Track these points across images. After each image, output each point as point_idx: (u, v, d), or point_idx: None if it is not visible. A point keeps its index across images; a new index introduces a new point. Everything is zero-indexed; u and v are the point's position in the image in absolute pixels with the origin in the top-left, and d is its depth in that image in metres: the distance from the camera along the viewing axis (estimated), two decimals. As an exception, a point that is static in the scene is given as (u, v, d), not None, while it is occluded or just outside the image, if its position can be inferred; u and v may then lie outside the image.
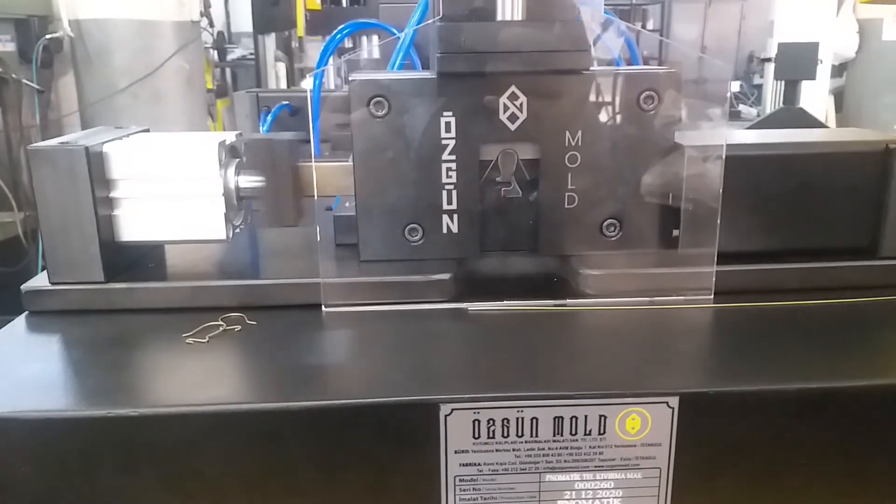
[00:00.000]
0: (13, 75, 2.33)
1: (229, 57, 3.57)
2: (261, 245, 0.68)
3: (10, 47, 2.40)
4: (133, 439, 0.40)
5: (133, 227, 0.56)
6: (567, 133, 0.57)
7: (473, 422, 0.41)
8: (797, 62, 2.14)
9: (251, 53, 3.42)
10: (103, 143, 0.55)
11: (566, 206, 0.58)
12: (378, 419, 0.41)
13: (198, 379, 0.45)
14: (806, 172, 0.58)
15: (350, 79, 0.57)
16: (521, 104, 0.57)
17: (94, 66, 2.34)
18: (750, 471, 0.43)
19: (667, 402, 0.42)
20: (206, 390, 0.43)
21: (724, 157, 0.55)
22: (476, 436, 0.41)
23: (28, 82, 2.36)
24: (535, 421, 0.42)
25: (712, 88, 0.61)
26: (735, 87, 4.28)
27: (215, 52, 3.35)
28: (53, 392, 0.43)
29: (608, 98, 0.59)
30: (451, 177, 0.57)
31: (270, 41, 3.33)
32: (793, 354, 0.48)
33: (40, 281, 0.55)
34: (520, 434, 0.42)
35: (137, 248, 0.58)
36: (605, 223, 0.59)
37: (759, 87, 4.26)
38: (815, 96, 3.37)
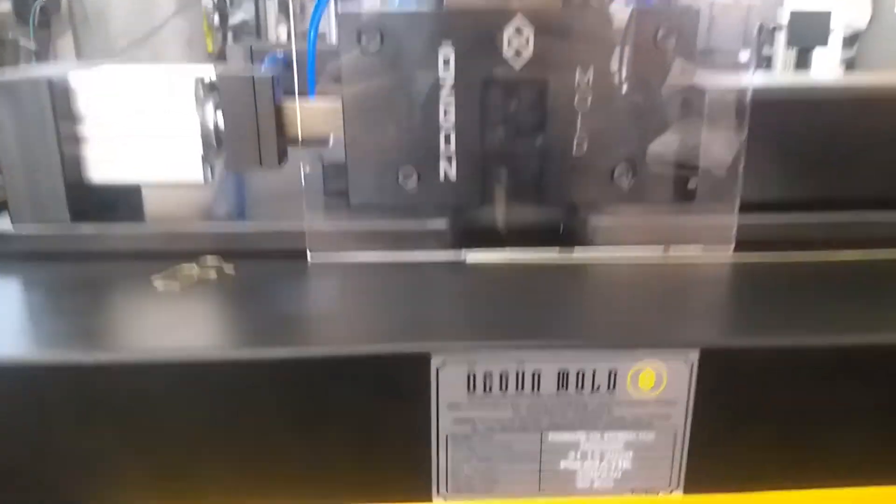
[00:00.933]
0: (9, 35, 2.28)
1: (231, 21, 3.49)
2: (246, 189, 0.63)
3: (6, 7, 2.34)
4: (88, 389, 0.36)
5: (102, 166, 0.52)
6: (577, 72, 0.52)
7: (468, 374, 0.37)
8: (810, 30, 2.08)
9: (254, 17, 3.35)
10: (68, 73, 0.50)
11: (575, 151, 0.53)
12: (361, 372, 0.37)
13: (164, 327, 0.41)
14: (839, 116, 0.53)
15: (339, 10, 0.52)
16: (527, 39, 0.52)
17: (93, 27, 2.29)
18: (775, 432, 0.39)
19: (685, 356, 0.37)
20: (172, 339, 0.39)
21: (749, 98, 0.50)
22: (471, 390, 0.37)
23: (25, 43, 2.30)
24: (537, 374, 0.37)
25: (736, 25, 0.56)
26: (744, 57, 4.18)
27: (216, 14, 3.28)
28: (5, 338, 0.39)
29: (623, 35, 0.53)
30: (448, 118, 0.52)
31: (272, 4, 3.26)
32: (823, 309, 0.44)
33: (1, 223, 0.51)
34: (520, 388, 0.37)
35: (110, 191, 0.54)
36: (617, 170, 0.54)
37: (769, 59, 4.16)
38: (827, 66, 3.28)
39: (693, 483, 0.39)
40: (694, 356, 0.37)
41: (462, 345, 0.37)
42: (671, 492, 0.40)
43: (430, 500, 0.39)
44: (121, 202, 0.56)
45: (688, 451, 0.39)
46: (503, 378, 0.37)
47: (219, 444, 0.37)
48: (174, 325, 0.41)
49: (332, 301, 0.46)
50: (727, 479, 0.40)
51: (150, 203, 0.58)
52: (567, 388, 0.38)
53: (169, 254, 0.49)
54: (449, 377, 0.37)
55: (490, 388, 0.37)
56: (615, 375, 0.37)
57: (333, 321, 0.42)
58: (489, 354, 0.37)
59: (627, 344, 0.37)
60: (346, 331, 0.41)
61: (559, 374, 0.37)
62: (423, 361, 0.37)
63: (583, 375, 0.37)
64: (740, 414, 0.39)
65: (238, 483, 0.38)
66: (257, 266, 0.49)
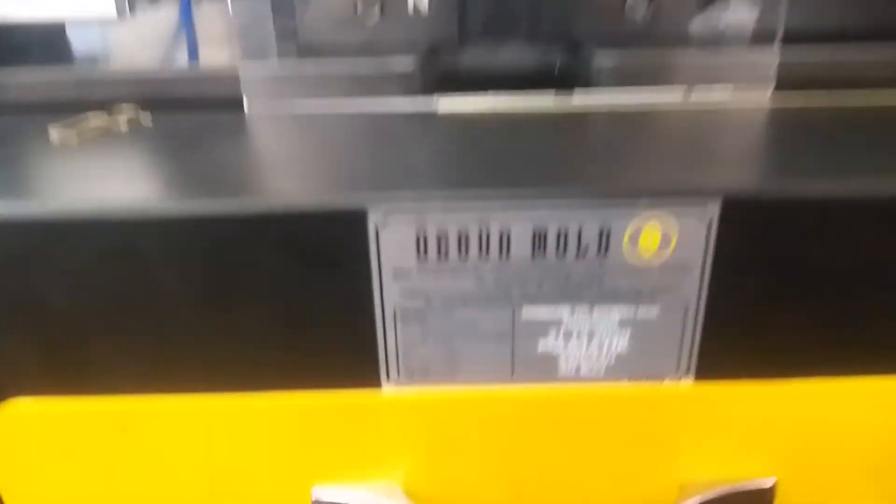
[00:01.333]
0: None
1: None
2: (189, 30, 0.54)
3: None
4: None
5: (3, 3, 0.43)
6: None
7: (418, 234, 0.29)
8: None
9: None
10: None
11: (577, -28, 0.43)
12: (284, 232, 0.29)
13: (50, 182, 0.33)
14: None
15: None
16: None
17: None
18: (811, 307, 0.31)
19: (702, 208, 0.29)
20: (54, 195, 0.31)
21: None
22: (421, 254, 0.29)
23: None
24: (506, 234, 0.29)
25: None
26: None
27: None
28: None
29: None
30: (419, -71, 0.42)
31: None
32: (879, 156, 0.34)
33: None
34: (484, 252, 0.29)
35: (20, 33, 0.45)
36: (629, -4, 0.44)
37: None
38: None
39: (707, 369, 0.32)
40: (713, 209, 0.29)
41: (407, 195, 0.28)
42: (679, 379, 0.32)
43: (379, 385, 0.32)
44: (38, 46, 0.47)
45: (701, 330, 0.31)
46: (462, 239, 0.29)
47: (115, 320, 0.30)
48: (61, 180, 0.33)
49: (263, 157, 0.37)
50: (749, 364, 0.32)
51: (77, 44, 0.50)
52: (545, 251, 0.29)
53: (84, 104, 0.41)
54: (392, 238, 0.29)
55: (446, 253, 0.29)
56: (608, 234, 0.29)
57: (259, 177, 0.34)
58: (442, 208, 0.28)
59: (624, 192, 0.29)
60: (271, 188, 0.33)
61: (535, 233, 0.29)
62: (358, 218, 0.29)
63: (565, 235, 0.29)
64: (769, 284, 0.31)
65: (140, 367, 0.31)
66: (183, 118, 0.40)
